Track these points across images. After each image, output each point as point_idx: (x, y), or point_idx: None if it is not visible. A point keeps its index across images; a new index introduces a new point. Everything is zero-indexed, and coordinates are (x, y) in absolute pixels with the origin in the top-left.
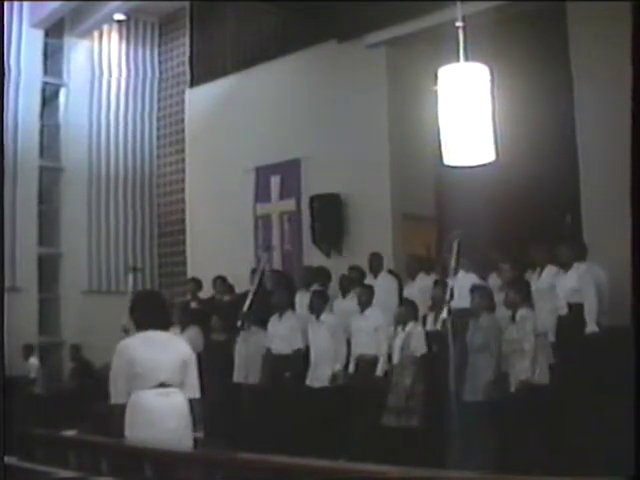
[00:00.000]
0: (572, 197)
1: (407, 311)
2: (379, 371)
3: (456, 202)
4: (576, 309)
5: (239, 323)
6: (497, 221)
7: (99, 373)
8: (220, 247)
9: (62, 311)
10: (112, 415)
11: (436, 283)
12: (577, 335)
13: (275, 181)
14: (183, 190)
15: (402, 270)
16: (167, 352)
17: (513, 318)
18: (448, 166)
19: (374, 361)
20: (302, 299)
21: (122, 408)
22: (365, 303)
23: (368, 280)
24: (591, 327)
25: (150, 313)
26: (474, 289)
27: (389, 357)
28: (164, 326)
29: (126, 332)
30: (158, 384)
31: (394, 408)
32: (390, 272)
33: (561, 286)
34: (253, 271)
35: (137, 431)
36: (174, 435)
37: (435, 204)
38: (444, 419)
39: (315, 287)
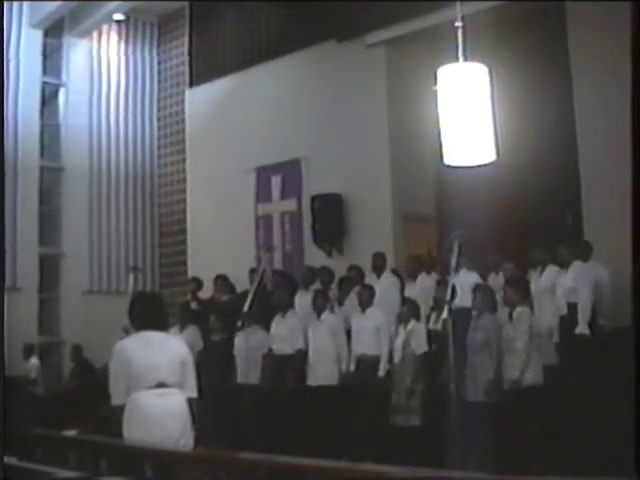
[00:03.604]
0: (572, 197)
1: (409, 310)
2: (381, 371)
3: (456, 202)
4: (573, 309)
5: (239, 323)
6: (497, 221)
7: (99, 373)
8: (221, 247)
9: (62, 311)
10: (113, 416)
11: (439, 283)
12: (572, 336)
13: (276, 181)
14: (184, 190)
15: (403, 270)
16: (164, 352)
17: (510, 316)
18: (448, 166)
19: (375, 361)
20: (302, 299)
21: (122, 409)
22: (366, 303)
23: (370, 279)
24: (581, 328)
25: (147, 314)
26: (477, 288)
27: (390, 357)
28: (161, 327)
29: (127, 332)
30: (156, 384)
31: (395, 407)
32: (393, 272)
33: (561, 285)
34: (252, 271)
35: (135, 432)
36: (172, 435)
37: (435, 204)
38: (445, 418)
39: (317, 286)
